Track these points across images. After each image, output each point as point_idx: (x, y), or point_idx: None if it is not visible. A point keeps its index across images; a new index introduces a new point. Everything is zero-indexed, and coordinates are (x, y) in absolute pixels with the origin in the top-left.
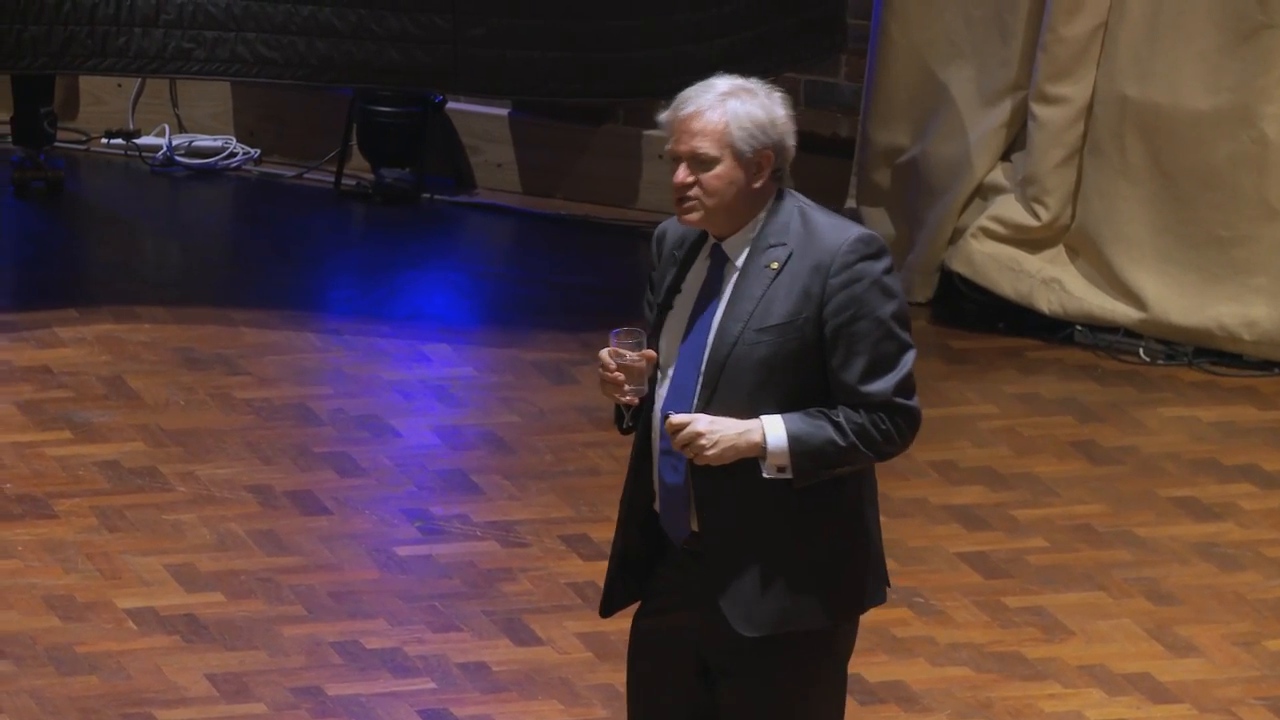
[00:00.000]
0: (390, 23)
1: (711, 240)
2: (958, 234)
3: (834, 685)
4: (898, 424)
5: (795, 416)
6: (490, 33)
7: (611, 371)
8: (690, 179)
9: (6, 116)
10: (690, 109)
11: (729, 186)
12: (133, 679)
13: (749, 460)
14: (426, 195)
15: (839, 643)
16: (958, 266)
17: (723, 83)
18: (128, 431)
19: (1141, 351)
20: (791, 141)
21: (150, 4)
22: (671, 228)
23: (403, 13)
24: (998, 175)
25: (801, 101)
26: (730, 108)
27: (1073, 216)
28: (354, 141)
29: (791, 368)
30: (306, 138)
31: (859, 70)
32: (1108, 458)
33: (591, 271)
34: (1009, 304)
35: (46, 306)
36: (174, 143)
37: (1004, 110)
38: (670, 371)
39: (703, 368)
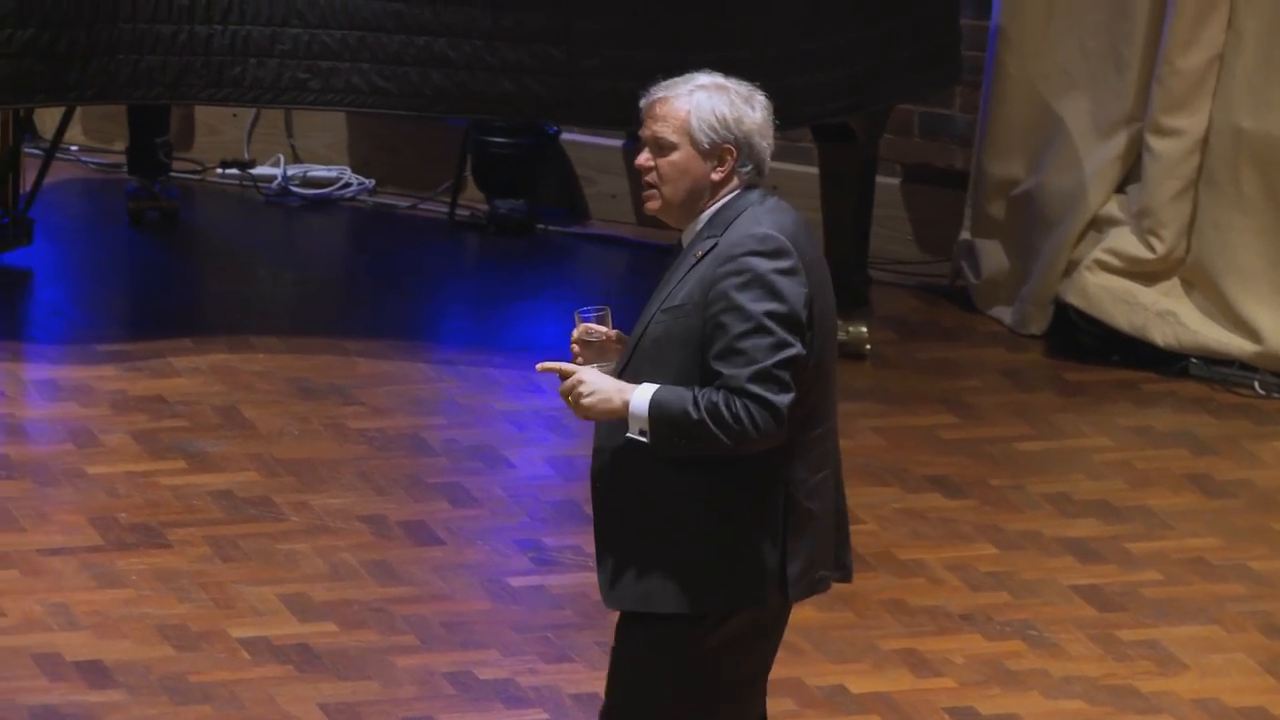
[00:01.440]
0: (505, 54)
1: (673, 224)
2: (1072, 266)
3: (691, 679)
4: (749, 411)
5: (667, 387)
6: (605, 63)
7: (576, 352)
8: (650, 162)
9: (122, 146)
10: (660, 94)
11: (682, 175)
12: (246, 709)
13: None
14: (540, 226)
15: (702, 637)
16: (1072, 299)
17: (703, 76)
18: (242, 461)
19: (1257, 384)
20: (762, 143)
21: (265, 34)
22: None
23: (518, 43)
24: (1112, 207)
25: (916, 133)
26: (696, 99)
27: (1188, 249)
28: (468, 172)
29: (679, 349)
30: (421, 168)
31: (974, 102)
32: (1222, 491)
33: None
34: (1124, 336)
35: (161, 336)
36: (289, 173)
37: (1119, 142)
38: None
39: (632, 348)
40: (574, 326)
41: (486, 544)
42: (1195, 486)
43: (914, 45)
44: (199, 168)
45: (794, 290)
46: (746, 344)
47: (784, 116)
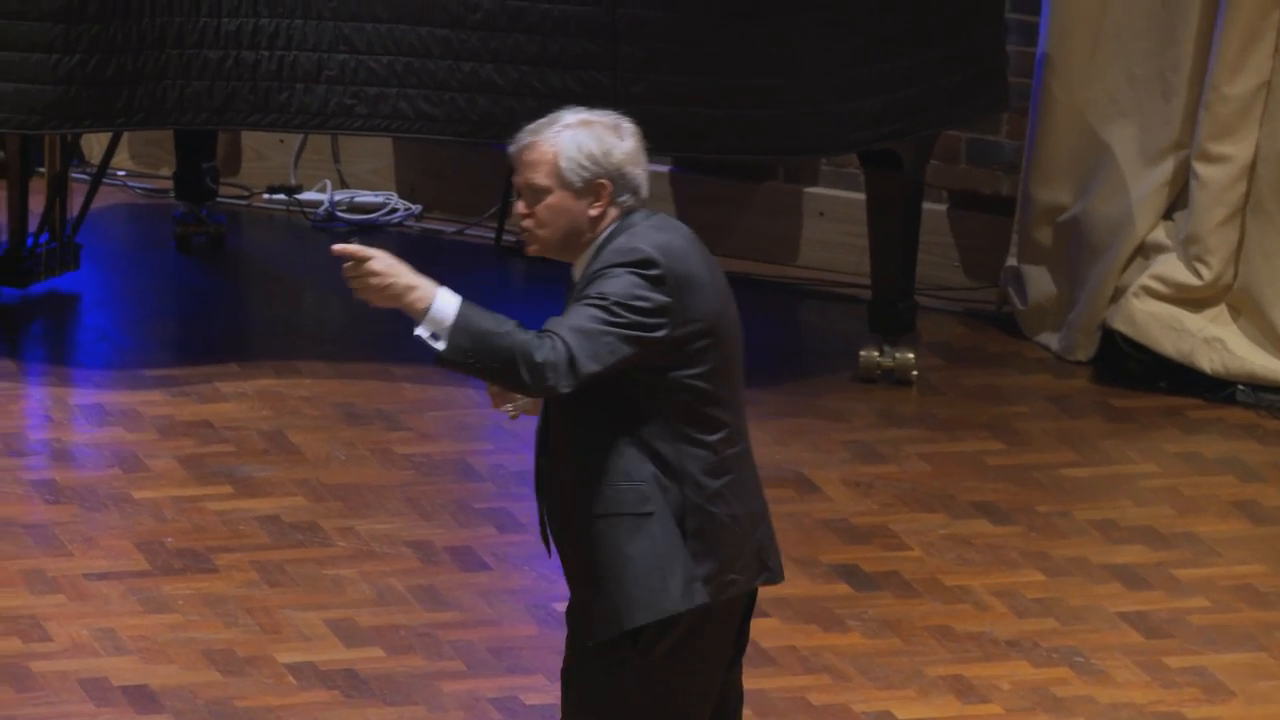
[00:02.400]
0: (552, 79)
1: (556, 258)
2: (1119, 293)
3: (645, 700)
4: (544, 345)
5: (481, 308)
6: (651, 89)
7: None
8: (526, 211)
9: (169, 172)
10: (526, 140)
11: (559, 216)
12: None
13: (572, 460)
14: None
15: (644, 655)
16: (1119, 325)
17: (568, 115)
18: (288, 486)
19: None
20: (636, 170)
21: (313, 60)
22: None
23: (564, 69)
24: (1160, 234)
25: (963, 159)
26: (562, 139)
27: (1235, 275)
28: (514, 197)
29: None
30: (467, 193)
31: (1020, 129)
32: (1270, 518)
33: (751, 329)
34: (1170, 363)
35: (208, 361)
36: (335, 198)
37: (1166, 169)
38: None
39: None
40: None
41: (533, 569)
42: (1242, 513)
43: (961, 71)
44: (246, 193)
45: (651, 296)
46: (583, 312)
47: (831, 142)
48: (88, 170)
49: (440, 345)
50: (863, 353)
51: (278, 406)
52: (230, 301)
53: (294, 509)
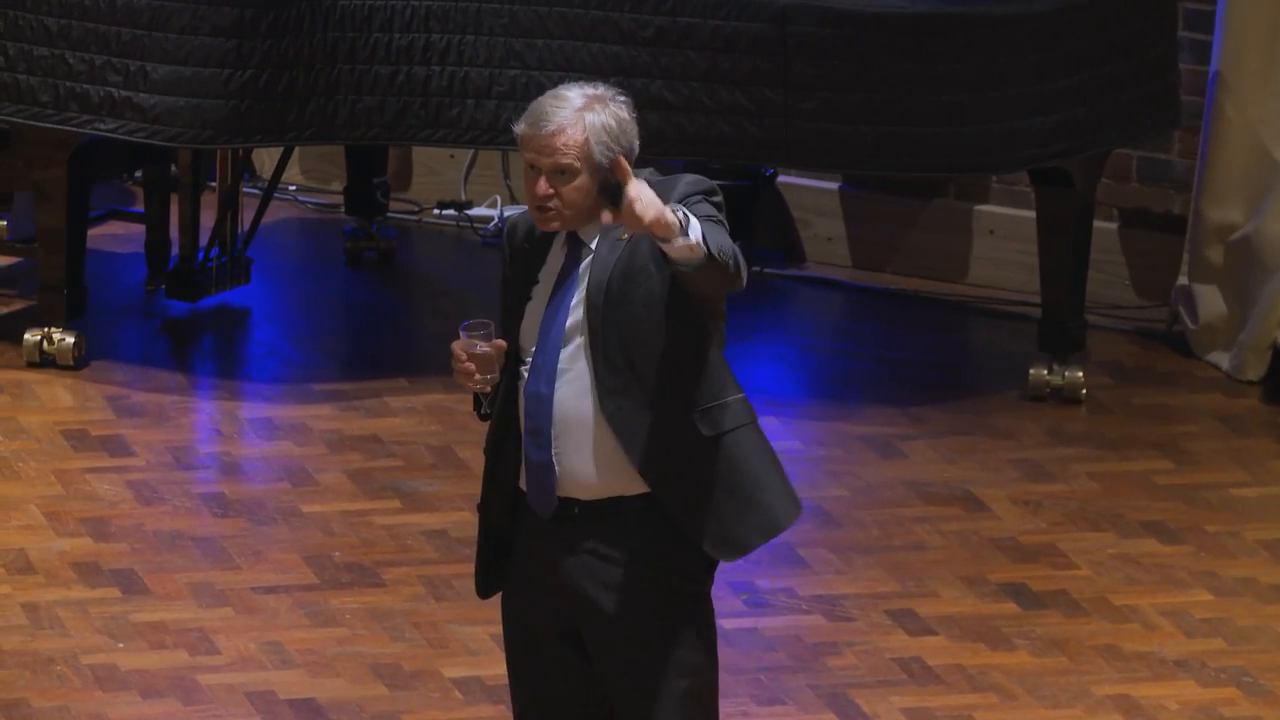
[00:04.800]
0: (722, 95)
1: (566, 231)
2: None
3: (706, 639)
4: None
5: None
6: (821, 106)
7: (463, 363)
8: (551, 191)
9: (340, 187)
10: (552, 127)
11: (586, 195)
12: None
13: (671, 409)
14: (756, 268)
15: (702, 596)
16: None
17: (575, 95)
18: (456, 501)
19: None
20: (635, 134)
21: (484, 76)
22: (522, 222)
23: (735, 86)
24: None
25: (1134, 178)
26: (589, 122)
27: None
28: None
29: (665, 303)
30: None
31: (1192, 147)
32: None
33: (921, 346)
34: None
35: (377, 376)
36: (505, 214)
37: None
38: (532, 354)
39: (585, 340)
40: (460, 339)
41: None
42: None
43: (1133, 90)
44: (416, 208)
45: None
46: (715, 227)
47: (1002, 160)
48: (259, 185)
49: (705, 248)
50: (1032, 371)
51: (446, 421)
52: (399, 316)
53: (461, 524)
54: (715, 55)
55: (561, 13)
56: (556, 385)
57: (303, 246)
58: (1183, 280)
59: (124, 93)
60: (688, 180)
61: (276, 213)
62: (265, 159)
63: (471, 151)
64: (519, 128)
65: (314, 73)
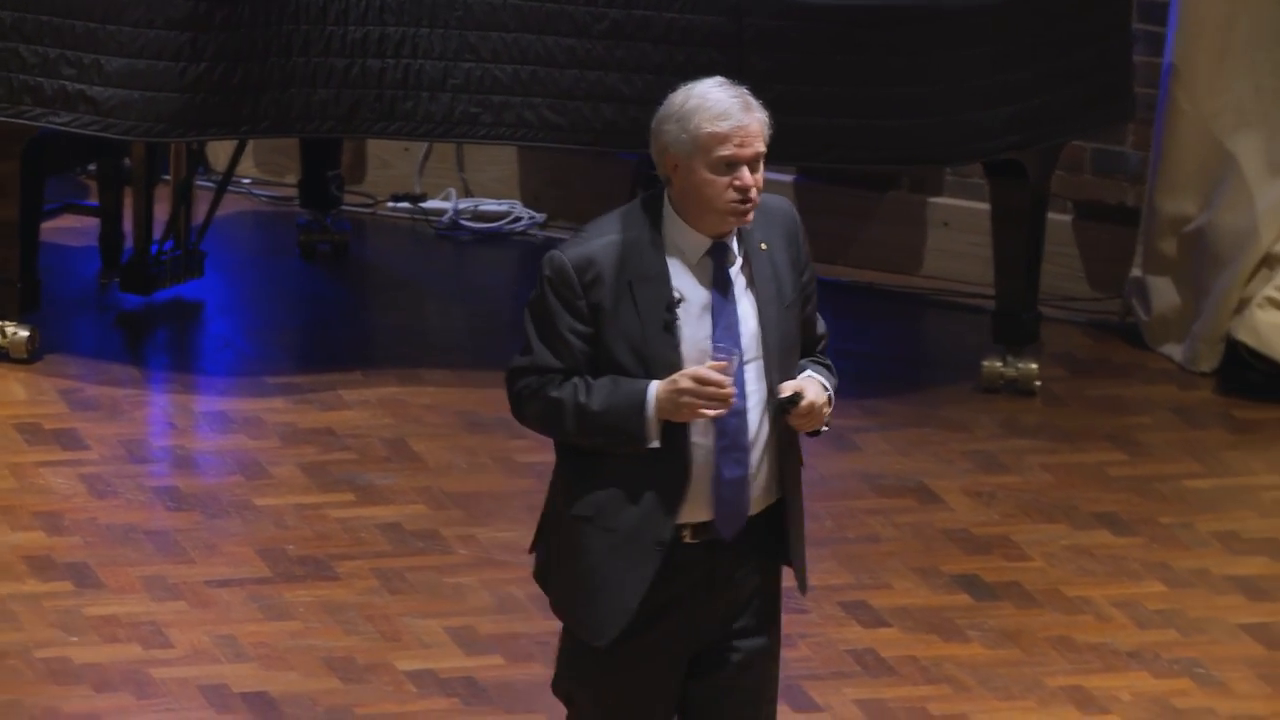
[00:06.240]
0: (678, 89)
1: (708, 240)
2: (1243, 304)
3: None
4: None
5: (804, 369)
6: (777, 99)
7: (726, 389)
8: (755, 181)
9: (294, 180)
10: (749, 115)
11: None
12: None
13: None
14: None
15: None
16: (1243, 336)
17: (728, 86)
18: (410, 494)
19: None
20: None
21: (438, 68)
22: (600, 256)
23: (690, 78)
24: None
25: (1088, 169)
26: (759, 108)
27: None
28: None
29: (799, 330)
30: (591, 202)
31: (1145, 139)
32: None
33: (875, 339)
34: None
35: (331, 369)
36: (460, 207)
37: None
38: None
39: (760, 351)
40: (713, 361)
41: None
42: None
43: (1087, 82)
44: (370, 201)
45: None
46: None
47: (956, 152)
48: (213, 178)
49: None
50: (986, 363)
51: (400, 414)
52: (354, 309)
53: (415, 517)
54: (670, 48)
55: (516, 6)
56: (747, 396)
57: (257, 239)
58: (1136, 272)
59: (78, 86)
60: (794, 226)
61: (230, 206)
62: (219, 152)
63: (426, 144)
64: (716, 127)
65: (268, 66)
